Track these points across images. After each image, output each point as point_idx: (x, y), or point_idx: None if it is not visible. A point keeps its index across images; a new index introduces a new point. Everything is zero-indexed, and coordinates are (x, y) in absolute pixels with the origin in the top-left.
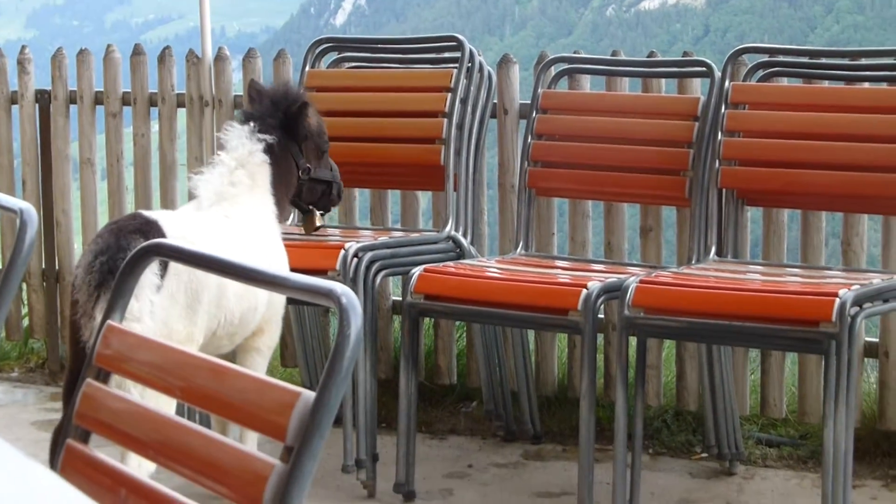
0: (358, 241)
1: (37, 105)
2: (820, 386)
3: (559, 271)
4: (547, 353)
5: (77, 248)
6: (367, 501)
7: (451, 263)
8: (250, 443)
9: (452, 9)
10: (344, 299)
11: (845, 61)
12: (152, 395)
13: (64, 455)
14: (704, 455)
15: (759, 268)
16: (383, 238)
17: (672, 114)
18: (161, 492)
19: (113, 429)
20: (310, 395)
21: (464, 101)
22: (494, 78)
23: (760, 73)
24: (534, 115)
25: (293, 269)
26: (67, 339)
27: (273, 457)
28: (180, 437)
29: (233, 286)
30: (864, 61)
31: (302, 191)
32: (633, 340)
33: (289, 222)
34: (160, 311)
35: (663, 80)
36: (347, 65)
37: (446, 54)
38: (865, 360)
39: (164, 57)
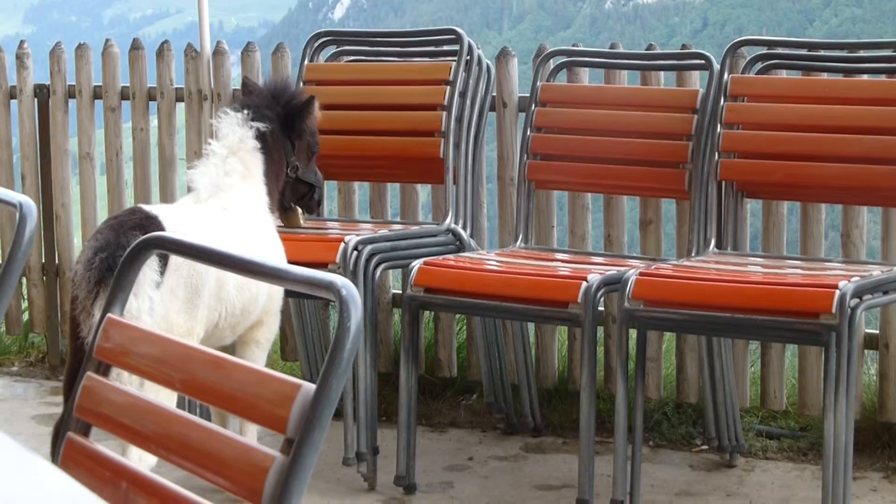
0: (358, 235)
1: (36, 100)
2: (820, 378)
3: (559, 264)
4: (547, 346)
5: (77, 242)
6: (368, 494)
7: (450, 256)
8: (250, 435)
9: (451, 2)
10: (344, 292)
11: (844, 53)
12: (152, 387)
13: (65, 448)
14: (705, 447)
15: (759, 260)
16: (383, 231)
17: (671, 106)
18: (162, 484)
19: (113, 422)
20: (310, 387)
21: (463, 95)
22: (493, 71)
23: (759, 65)
24: (533, 108)
25: (293, 263)
26: (67, 333)
27: (273, 449)
28: (181, 429)
29: (232, 278)
30: (862, 53)
31: (286, 189)
32: (633, 333)
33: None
34: (160, 306)
35: (662, 73)
36: (346, 58)
37: (445, 47)
38: (865, 351)
39: (162, 51)
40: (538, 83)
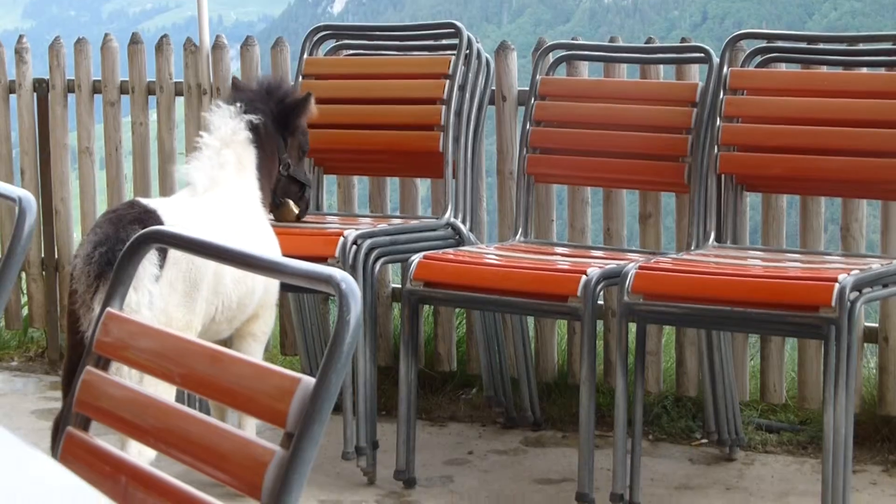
0: (357, 229)
1: (35, 94)
2: (819, 371)
3: (558, 258)
4: (547, 340)
5: (76, 237)
6: (368, 488)
7: (450, 250)
8: (249, 429)
9: None
10: (343, 285)
11: (843, 47)
12: (150, 381)
13: (64, 443)
14: (704, 441)
15: (759, 253)
16: (382, 225)
17: (670, 100)
18: (161, 479)
19: (113, 416)
20: (310, 381)
21: (462, 88)
22: (492, 65)
23: (759, 58)
24: (532, 101)
25: (292, 257)
26: (66, 328)
27: (273, 443)
28: (180, 424)
29: (230, 272)
30: (861, 46)
31: (278, 186)
32: (632, 326)
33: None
34: (159, 299)
35: (661, 67)
36: (345, 52)
37: (444, 41)
38: (865, 345)
39: (161, 46)
40: (537, 77)
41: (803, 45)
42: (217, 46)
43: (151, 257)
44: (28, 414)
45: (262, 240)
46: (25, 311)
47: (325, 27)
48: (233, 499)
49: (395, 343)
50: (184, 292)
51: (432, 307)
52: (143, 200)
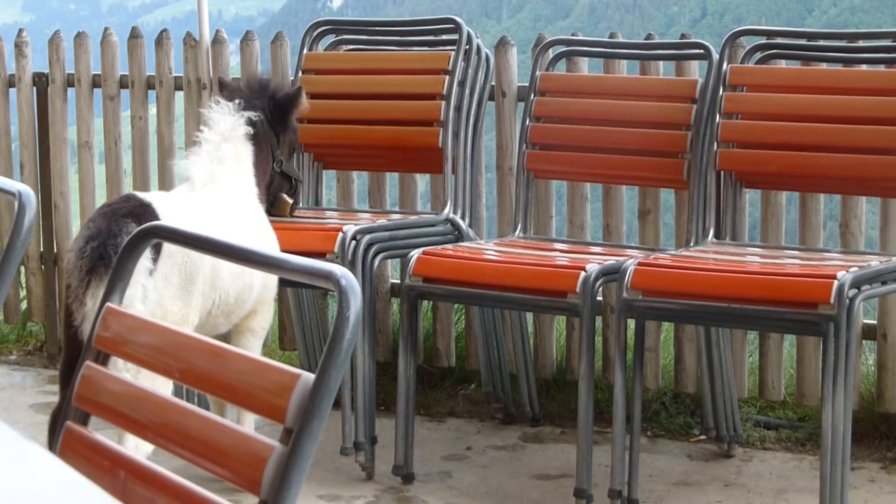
0: (356, 224)
1: (34, 88)
2: (818, 368)
3: (557, 254)
4: (545, 336)
5: (75, 231)
6: (366, 483)
7: (449, 246)
8: (248, 424)
9: None
10: (343, 281)
11: (843, 43)
12: (147, 376)
13: (63, 437)
14: (703, 437)
15: (758, 250)
16: (381, 221)
17: (670, 96)
18: (160, 474)
19: (113, 411)
20: (309, 376)
21: (462, 84)
22: (492, 60)
23: (758, 55)
24: (532, 97)
25: (292, 252)
26: (63, 322)
27: (272, 439)
28: (180, 419)
29: (227, 267)
30: (861, 43)
31: (272, 182)
32: (631, 323)
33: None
34: (154, 293)
35: (661, 63)
36: (345, 47)
37: (444, 37)
38: (864, 342)
39: (161, 40)
40: (537, 73)
41: (803, 41)
42: (217, 41)
43: (145, 252)
44: (26, 408)
45: (261, 235)
46: (24, 305)
47: (325, 22)
48: (232, 494)
49: (394, 338)
50: (179, 285)
51: (431, 303)
52: (140, 194)
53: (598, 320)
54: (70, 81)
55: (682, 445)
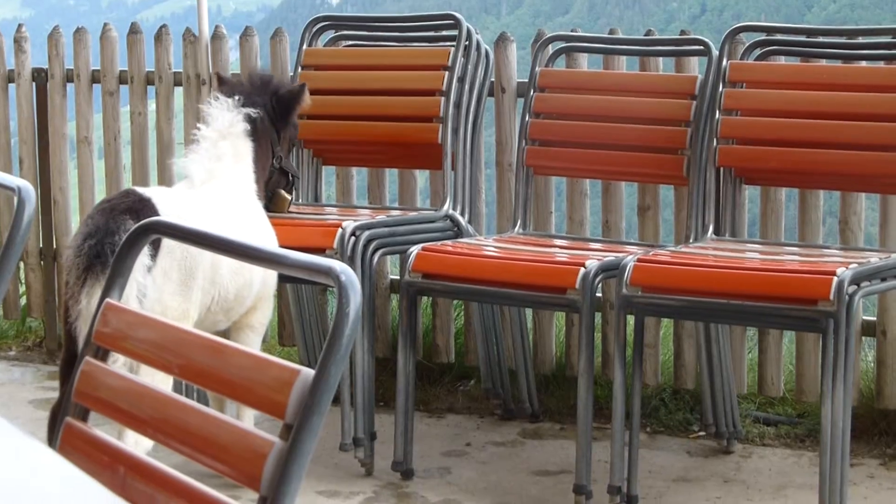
0: (355, 220)
1: (34, 84)
2: (817, 364)
3: (557, 250)
4: (545, 332)
5: (74, 226)
6: (365, 479)
7: (448, 242)
8: (247, 420)
9: None
10: (343, 277)
11: (843, 40)
12: (147, 372)
13: (63, 433)
14: (702, 433)
15: (757, 246)
16: (381, 217)
17: (670, 92)
18: (160, 469)
19: (112, 407)
20: (309, 372)
21: (461, 80)
22: (492, 56)
23: (758, 51)
24: (531, 93)
25: (291, 248)
26: (62, 318)
27: (272, 434)
28: (180, 414)
29: (227, 263)
30: (861, 40)
31: (270, 178)
32: (630, 319)
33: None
34: (153, 289)
35: (661, 59)
36: (344, 43)
37: (444, 32)
38: (863, 338)
39: (160, 35)
40: (537, 68)
41: (802, 38)
42: (216, 37)
43: (145, 249)
44: (26, 403)
45: (259, 231)
46: (24, 301)
47: (325, 18)
48: (231, 490)
49: (394, 334)
50: (179, 281)
51: (430, 299)
52: (139, 189)
53: (598, 316)
54: (69, 77)
55: (681, 442)
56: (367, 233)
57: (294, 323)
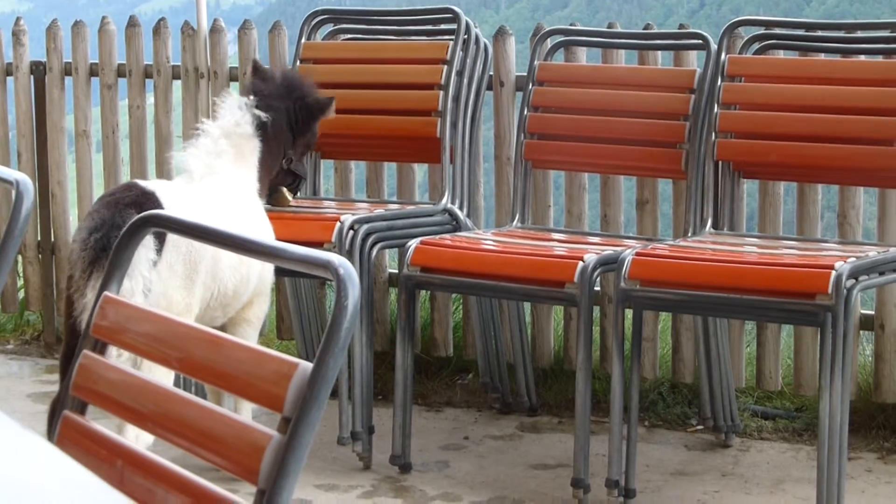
0: (354, 214)
1: (32, 77)
2: (815, 358)
3: (555, 244)
4: (543, 326)
5: (72, 220)
6: (363, 473)
7: (447, 236)
8: (245, 413)
9: None
10: (342, 271)
11: (841, 34)
12: (148, 367)
13: (61, 426)
14: (700, 427)
15: (756, 240)
16: (379, 210)
17: (668, 86)
18: (158, 463)
19: (110, 400)
20: (307, 365)
21: (460, 74)
22: (490, 50)
23: (756, 45)
24: (530, 87)
25: (289, 242)
26: (63, 312)
27: (270, 428)
28: (178, 408)
29: (227, 258)
30: (860, 34)
31: (276, 178)
32: (629, 313)
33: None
34: (158, 283)
35: (659, 53)
36: (343, 37)
37: (442, 26)
38: (861, 332)
39: (159, 29)
40: (535, 62)
41: (801, 32)
42: (214, 30)
43: (148, 242)
44: (24, 397)
45: (257, 227)
46: (22, 295)
47: (324, 11)
48: (229, 483)
49: (392, 328)
50: (184, 275)
51: (429, 292)
52: (142, 183)
53: (596, 310)
54: (67, 70)
55: (679, 435)
56: (365, 226)
57: (292, 316)
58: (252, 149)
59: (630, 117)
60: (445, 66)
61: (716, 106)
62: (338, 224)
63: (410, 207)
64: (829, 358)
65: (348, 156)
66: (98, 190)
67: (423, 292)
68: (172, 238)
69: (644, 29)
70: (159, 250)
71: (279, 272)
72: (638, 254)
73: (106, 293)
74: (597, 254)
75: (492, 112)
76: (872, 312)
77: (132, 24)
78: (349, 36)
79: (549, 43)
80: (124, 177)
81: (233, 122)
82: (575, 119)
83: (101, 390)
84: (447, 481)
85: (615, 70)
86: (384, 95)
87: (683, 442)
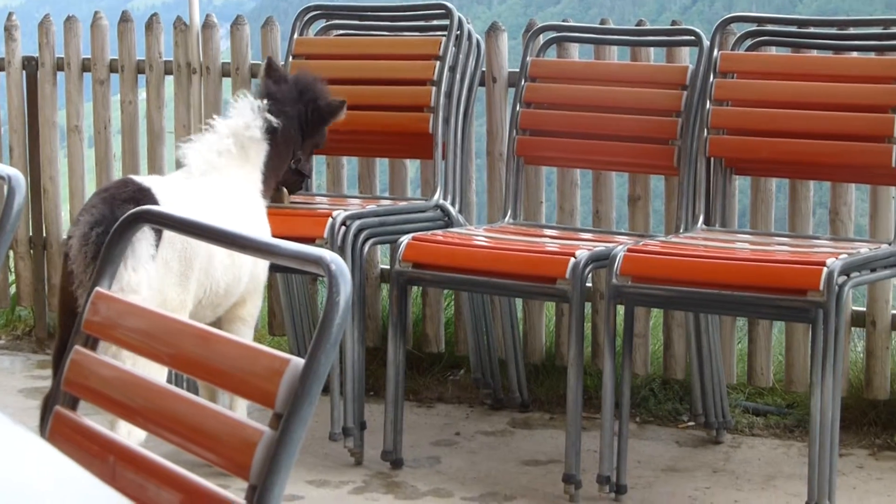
0: (346, 210)
1: (24, 72)
2: (807, 355)
3: (547, 240)
4: (535, 322)
5: (64, 215)
6: (355, 469)
7: (439, 232)
8: (240, 410)
9: None
10: (333, 266)
11: (833, 31)
12: (142, 363)
13: (52, 422)
14: (691, 423)
15: (747, 237)
16: (371, 206)
17: (660, 83)
18: (149, 459)
19: (102, 396)
20: (299, 361)
21: (452, 69)
22: (483, 46)
23: (749, 42)
24: (522, 83)
25: (281, 238)
26: (58, 307)
27: (262, 424)
28: (169, 404)
29: (220, 256)
30: (852, 31)
31: (282, 178)
32: (620, 309)
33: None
34: (155, 279)
35: (652, 49)
36: (336, 32)
37: (435, 22)
38: (852, 329)
39: (151, 24)
40: (528, 58)
41: (794, 28)
42: (207, 25)
43: (148, 237)
44: (15, 392)
45: (253, 227)
46: (13, 290)
47: (316, 7)
48: (221, 478)
49: (384, 324)
50: (179, 272)
51: (421, 288)
52: (137, 178)
53: (588, 306)
54: (60, 65)
55: (670, 432)
56: (357, 222)
57: (284, 312)
58: (258, 151)
59: (622, 114)
60: (438, 62)
61: (708, 102)
62: (330, 220)
63: (402, 203)
64: (821, 354)
65: (340, 151)
66: (90, 185)
67: (414, 288)
68: (168, 235)
69: (637, 25)
70: (156, 246)
71: (271, 268)
72: (630, 250)
73: (98, 289)
74: (588, 250)
75: (484, 108)
76: (864, 309)
77: (124, 19)
78: (341, 32)
79: (542, 39)
80: (116, 172)
81: (243, 123)
82: (567, 115)
83: (93, 386)
84: (438, 477)
85: (608, 66)
86: (376, 91)
87: (675, 438)
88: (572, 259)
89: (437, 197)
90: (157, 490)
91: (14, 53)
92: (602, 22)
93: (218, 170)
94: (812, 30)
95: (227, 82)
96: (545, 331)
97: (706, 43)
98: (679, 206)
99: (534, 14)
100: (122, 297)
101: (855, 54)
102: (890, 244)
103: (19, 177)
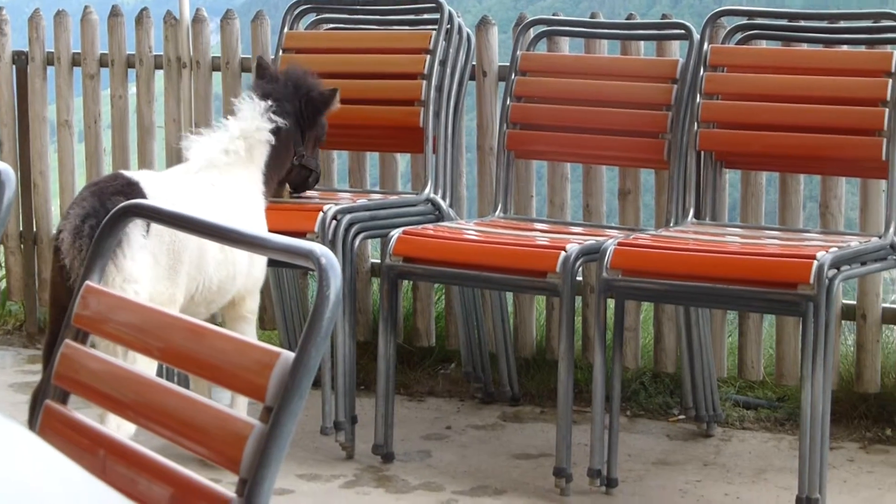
0: (336, 204)
1: (14, 67)
2: (797, 348)
3: (538, 234)
4: (525, 316)
5: (54, 210)
6: (346, 463)
7: (429, 226)
8: (240, 407)
9: None
10: (323, 260)
11: (824, 24)
12: (134, 358)
13: (42, 416)
14: (682, 417)
15: (738, 230)
16: (362, 200)
17: (651, 76)
18: (140, 452)
19: (92, 390)
20: (289, 355)
21: (443, 63)
22: (473, 40)
23: (739, 35)
24: (513, 77)
25: (272, 232)
26: (49, 301)
27: (252, 417)
28: (160, 397)
29: (212, 252)
30: (842, 24)
31: (289, 176)
32: (611, 302)
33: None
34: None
35: (642, 43)
36: (326, 26)
37: (425, 16)
38: (843, 322)
39: (141, 18)
40: (518, 52)
41: (784, 22)
42: (197, 20)
43: (140, 228)
44: (6, 387)
45: (249, 225)
46: (3, 285)
47: (306, 1)
48: (211, 472)
49: (374, 318)
50: (167, 265)
51: (411, 282)
52: (127, 173)
53: (578, 300)
54: (50, 60)
55: (661, 425)
56: (348, 216)
57: (275, 306)
58: (263, 153)
59: (612, 107)
60: (428, 56)
61: (698, 96)
62: (320, 214)
63: (393, 197)
64: (811, 348)
65: (331, 145)
66: (80, 180)
67: (405, 282)
68: (156, 228)
69: (627, 19)
70: (145, 238)
71: None
72: (620, 244)
73: (87, 282)
74: (579, 244)
75: (474, 102)
76: (854, 302)
77: (114, 13)
78: (332, 25)
79: (532, 33)
80: (107, 167)
81: (254, 126)
82: (557, 109)
83: (83, 380)
84: (429, 471)
85: (598, 60)
86: (367, 85)
87: (665, 432)
88: (563, 253)
89: (428, 191)
90: (147, 484)
91: (4, 48)
92: (592, 16)
93: (218, 168)
94: (802, 23)
95: (217, 77)
96: (536, 325)
97: (696, 36)
98: (669, 199)
99: (524, 8)
100: (117, 290)
101: (845, 48)
102: (880, 237)
103: (9, 171)
